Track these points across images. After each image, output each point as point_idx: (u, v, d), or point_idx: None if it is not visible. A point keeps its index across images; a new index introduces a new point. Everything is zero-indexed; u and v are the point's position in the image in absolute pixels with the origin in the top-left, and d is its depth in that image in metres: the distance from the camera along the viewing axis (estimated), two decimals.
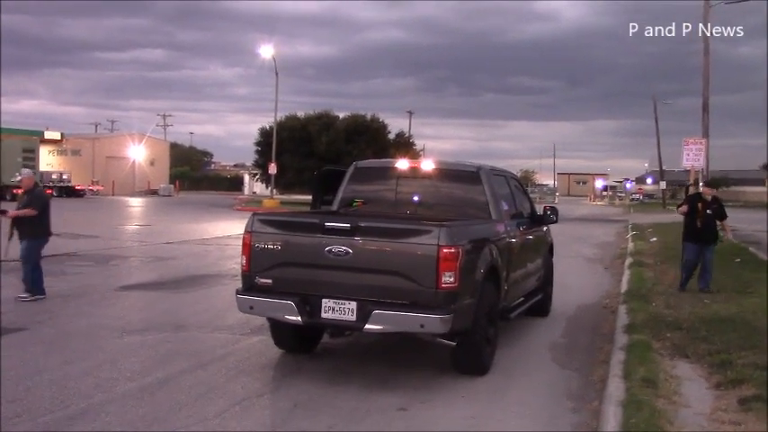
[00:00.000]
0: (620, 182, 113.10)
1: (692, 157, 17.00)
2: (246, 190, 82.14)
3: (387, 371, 7.13)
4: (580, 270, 16.42)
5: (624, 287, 12.63)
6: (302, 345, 7.58)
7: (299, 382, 6.64)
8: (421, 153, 60.20)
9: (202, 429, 5.35)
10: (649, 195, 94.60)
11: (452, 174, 8.47)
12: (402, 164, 8.54)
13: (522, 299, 8.94)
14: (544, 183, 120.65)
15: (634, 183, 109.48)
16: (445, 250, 6.20)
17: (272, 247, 6.73)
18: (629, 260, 17.11)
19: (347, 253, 6.41)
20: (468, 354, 6.87)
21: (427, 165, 8.50)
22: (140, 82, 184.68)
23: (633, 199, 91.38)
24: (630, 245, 21.96)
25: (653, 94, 73.07)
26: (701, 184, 20.49)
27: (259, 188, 72.15)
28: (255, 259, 6.80)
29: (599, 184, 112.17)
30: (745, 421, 5.44)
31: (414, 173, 8.45)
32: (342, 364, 7.45)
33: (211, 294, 11.54)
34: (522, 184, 10.02)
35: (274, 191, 52.20)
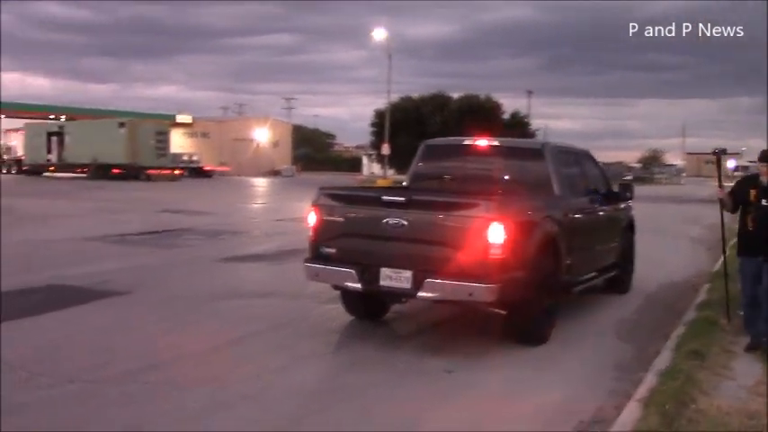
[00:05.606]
0: (754, 162, 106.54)
1: None
2: (365, 170, 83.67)
3: (443, 338, 7.53)
4: (681, 250, 16.00)
5: (717, 266, 12.32)
6: (371, 312, 8.06)
7: (360, 345, 7.13)
8: (536, 133, 59.33)
9: (257, 381, 5.91)
10: None
11: (517, 151, 8.70)
12: (470, 142, 8.83)
13: (594, 274, 9.04)
14: (672, 163, 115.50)
15: None
16: (493, 222, 6.48)
17: (335, 218, 7.24)
18: (733, 240, 16.49)
19: (403, 225, 6.81)
20: (519, 323, 7.12)
21: (494, 142, 8.75)
22: (269, 66, 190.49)
23: None
24: None
25: None
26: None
27: (377, 168, 73.39)
28: (321, 230, 7.33)
29: (731, 164, 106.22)
30: None
31: (481, 150, 8.72)
32: (405, 331, 7.90)
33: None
34: (596, 161, 10.00)
35: (390, 171, 53.07)
